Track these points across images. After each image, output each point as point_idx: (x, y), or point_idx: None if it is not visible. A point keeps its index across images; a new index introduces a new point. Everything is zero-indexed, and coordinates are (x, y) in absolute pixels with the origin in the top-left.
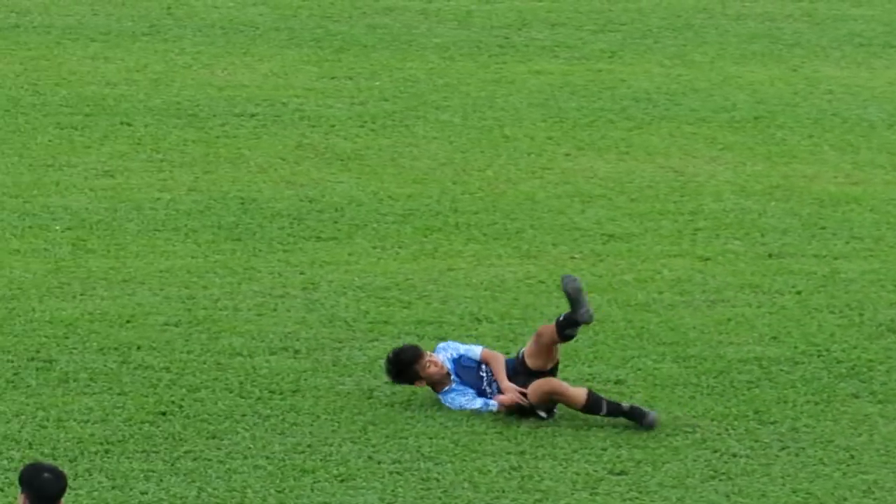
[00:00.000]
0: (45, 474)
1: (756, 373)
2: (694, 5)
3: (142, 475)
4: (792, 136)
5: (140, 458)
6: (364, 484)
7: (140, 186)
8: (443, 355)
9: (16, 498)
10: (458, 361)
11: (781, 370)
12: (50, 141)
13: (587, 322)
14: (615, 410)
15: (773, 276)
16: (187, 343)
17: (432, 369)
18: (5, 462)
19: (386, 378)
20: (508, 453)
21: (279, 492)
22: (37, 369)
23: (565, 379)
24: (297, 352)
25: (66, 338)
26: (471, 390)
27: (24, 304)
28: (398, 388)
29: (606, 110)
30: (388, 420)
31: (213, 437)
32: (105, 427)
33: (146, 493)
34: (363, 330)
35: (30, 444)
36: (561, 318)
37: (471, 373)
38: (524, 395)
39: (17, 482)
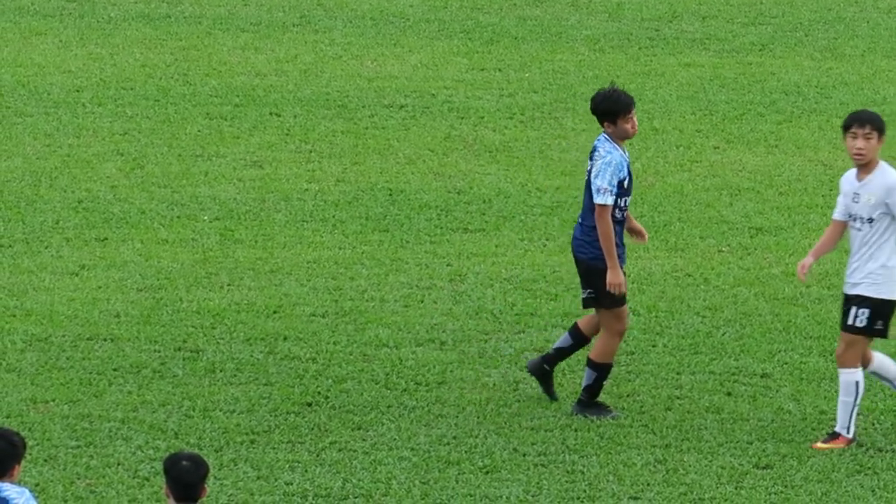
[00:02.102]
0: (184, 462)
1: None
2: None
3: (287, 466)
4: None
5: (285, 449)
6: (508, 476)
7: (288, 177)
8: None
9: (161, 487)
10: None
11: None
12: (199, 131)
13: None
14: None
15: None
16: (334, 334)
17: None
18: (151, 451)
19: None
20: (653, 446)
21: (424, 483)
22: (184, 359)
23: (711, 373)
24: (443, 343)
25: (213, 328)
26: None
27: (172, 294)
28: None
29: (756, 103)
30: (533, 412)
31: (359, 429)
32: (251, 417)
33: (291, 484)
34: (510, 322)
35: (175, 433)
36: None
37: None
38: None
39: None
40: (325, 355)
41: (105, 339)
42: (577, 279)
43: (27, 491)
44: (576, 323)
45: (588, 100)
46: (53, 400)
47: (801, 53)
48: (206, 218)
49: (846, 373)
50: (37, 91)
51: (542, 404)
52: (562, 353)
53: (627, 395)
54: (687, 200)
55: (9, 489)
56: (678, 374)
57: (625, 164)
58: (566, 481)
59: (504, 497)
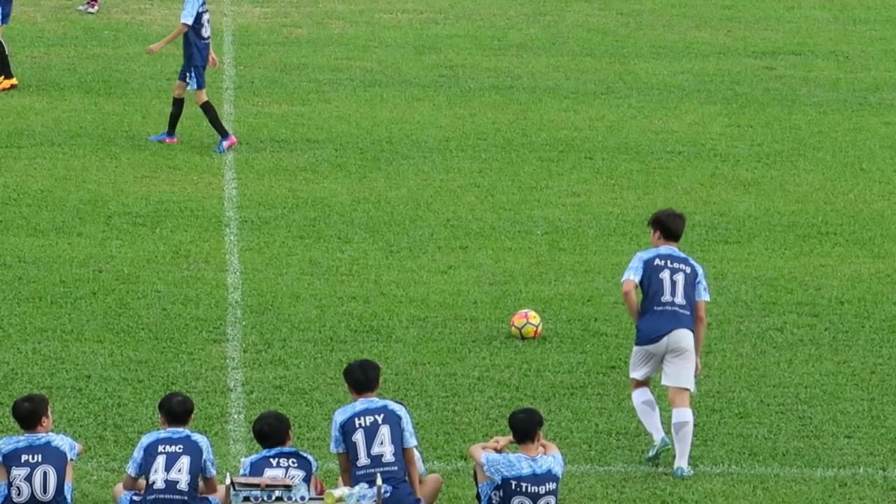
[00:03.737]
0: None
1: None
2: None
3: (596, 412)
4: None
5: (595, 400)
6: (756, 421)
7: (598, 203)
8: None
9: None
10: None
11: None
12: (533, 170)
13: None
14: None
15: None
16: (629, 316)
17: None
18: (500, 400)
19: None
20: (862, 399)
21: (696, 426)
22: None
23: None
24: (709, 324)
25: (544, 311)
26: None
27: (514, 287)
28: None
29: None
30: (773, 373)
31: None
32: (571, 376)
33: (598, 425)
34: (758, 308)
35: (517, 387)
36: None
37: None
38: None
39: (507, 422)
40: (624, 331)
41: (466, 319)
42: (807, 277)
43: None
44: None
45: (814, 149)
46: (429, 363)
47: None
48: (539, 232)
49: None
50: (417, 141)
51: (781, 367)
52: None
53: (842, 363)
54: (886, 221)
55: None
56: (880, 346)
57: None
58: (800, 425)
59: (753, 436)
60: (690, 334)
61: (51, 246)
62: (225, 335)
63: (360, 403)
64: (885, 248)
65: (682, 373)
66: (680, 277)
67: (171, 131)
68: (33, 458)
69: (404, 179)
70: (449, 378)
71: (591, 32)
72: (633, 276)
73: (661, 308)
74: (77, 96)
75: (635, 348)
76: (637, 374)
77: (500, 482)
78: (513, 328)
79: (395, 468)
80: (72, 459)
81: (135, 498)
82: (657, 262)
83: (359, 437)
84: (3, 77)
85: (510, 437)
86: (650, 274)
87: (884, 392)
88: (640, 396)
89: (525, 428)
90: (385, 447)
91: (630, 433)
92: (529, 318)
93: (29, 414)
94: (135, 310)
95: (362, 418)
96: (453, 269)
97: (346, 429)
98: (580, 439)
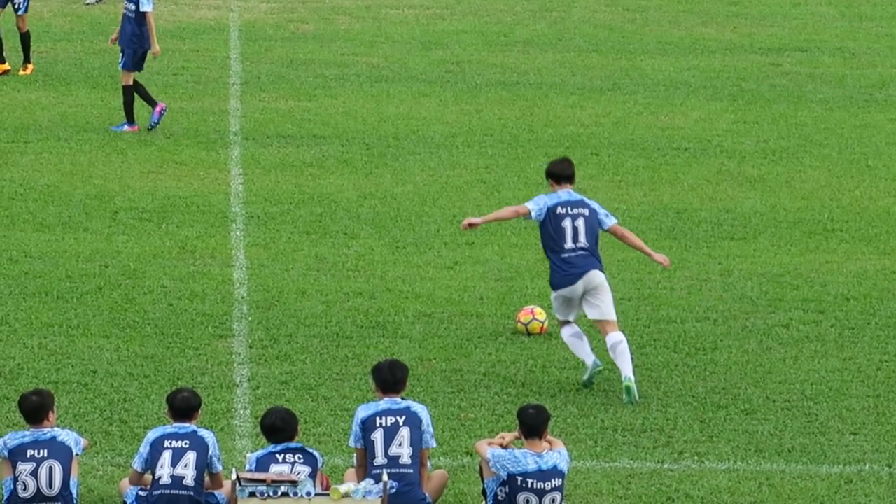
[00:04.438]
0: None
1: None
2: None
3: (602, 408)
4: None
5: (600, 396)
6: (762, 417)
7: (604, 199)
8: None
9: (510, 429)
10: None
11: None
12: (539, 166)
13: None
14: None
15: None
16: (636, 313)
17: None
18: (505, 396)
19: None
20: (867, 396)
21: (701, 421)
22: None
23: None
24: (715, 321)
25: (549, 307)
26: None
27: (520, 283)
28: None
29: None
30: (779, 370)
31: (655, 381)
32: (576, 373)
33: (604, 422)
34: (763, 305)
35: (522, 384)
36: None
37: None
38: None
39: (516, 416)
40: (629, 328)
41: (472, 315)
42: (812, 274)
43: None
44: None
45: (821, 146)
46: (434, 359)
47: None
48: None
49: None
50: (423, 137)
51: (787, 363)
52: None
53: (848, 359)
54: (892, 218)
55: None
56: (886, 343)
57: None
58: (806, 421)
59: (759, 433)
60: (600, 273)
61: (57, 241)
62: (231, 331)
63: (384, 403)
64: (892, 244)
65: (603, 306)
66: (581, 223)
67: (131, 120)
68: (39, 453)
69: (410, 175)
70: (454, 374)
71: (598, 28)
72: (531, 208)
73: (566, 255)
74: (83, 91)
75: (553, 294)
76: (563, 316)
77: (505, 478)
78: (518, 324)
79: (411, 471)
80: (77, 454)
81: (140, 493)
82: (559, 209)
83: (378, 435)
84: None
85: (516, 433)
86: (553, 221)
87: (889, 388)
88: (568, 331)
89: (534, 423)
90: (403, 449)
91: (636, 430)
92: (535, 315)
93: (36, 408)
94: (141, 305)
95: (384, 418)
96: (459, 264)
97: (367, 426)
98: (586, 435)
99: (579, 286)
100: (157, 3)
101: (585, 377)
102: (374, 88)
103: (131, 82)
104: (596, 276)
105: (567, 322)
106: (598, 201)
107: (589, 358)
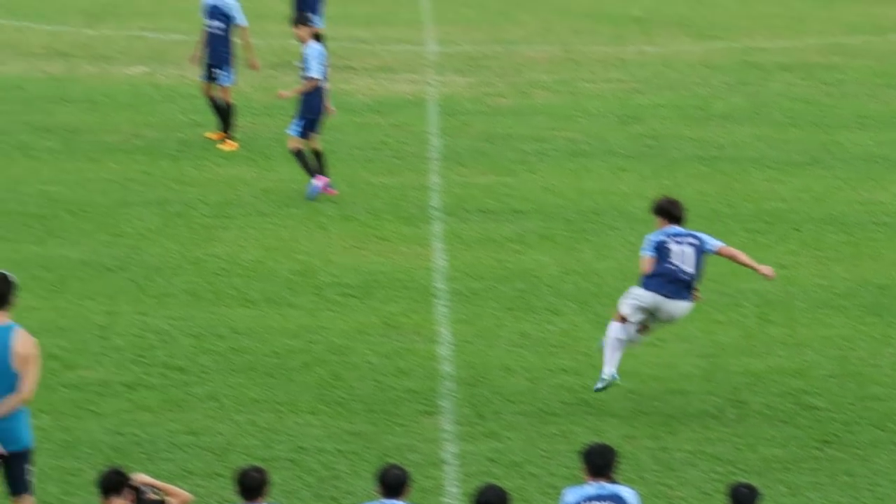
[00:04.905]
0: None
1: None
2: None
3: (811, 486)
4: None
5: (809, 474)
6: None
7: (806, 276)
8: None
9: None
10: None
11: None
12: (740, 242)
13: None
14: None
15: None
16: (841, 390)
17: None
18: (713, 474)
19: None
20: None
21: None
22: (734, 407)
23: None
24: None
25: (755, 385)
26: None
27: (724, 360)
28: None
29: None
30: None
31: (862, 459)
32: (784, 451)
33: (813, 500)
34: None
35: (731, 461)
36: None
37: None
38: None
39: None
40: (836, 405)
41: (677, 392)
42: None
43: None
44: None
45: None
46: (641, 436)
47: None
48: (747, 304)
49: None
50: (623, 212)
51: None
52: None
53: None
54: None
55: None
56: None
57: None
58: None
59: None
60: (688, 308)
61: (263, 317)
62: (437, 407)
63: (593, 488)
64: None
65: (668, 325)
66: (689, 249)
67: (313, 175)
68: None
69: (612, 251)
70: (662, 452)
71: (795, 102)
72: (648, 254)
73: (672, 266)
74: (284, 166)
75: (637, 290)
76: (630, 312)
77: None
78: None
79: None
80: None
81: None
82: (668, 240)
83: None
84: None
85: None
86: (662, 247)
87: None
88: (618, 329)
89: (747, 503)
90: None
91: None
92: None
93: (258, 484)
94: (347, 381)
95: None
96: (664, 341)
97: None
98: None
99: (665, 304)
100: (344, 73)
101: (599, 386)
102: (572, 163)
103: (300, 146)
104: (679, 310)
105: (625, 320)
106: (800, 277)
107: (611, 367)
